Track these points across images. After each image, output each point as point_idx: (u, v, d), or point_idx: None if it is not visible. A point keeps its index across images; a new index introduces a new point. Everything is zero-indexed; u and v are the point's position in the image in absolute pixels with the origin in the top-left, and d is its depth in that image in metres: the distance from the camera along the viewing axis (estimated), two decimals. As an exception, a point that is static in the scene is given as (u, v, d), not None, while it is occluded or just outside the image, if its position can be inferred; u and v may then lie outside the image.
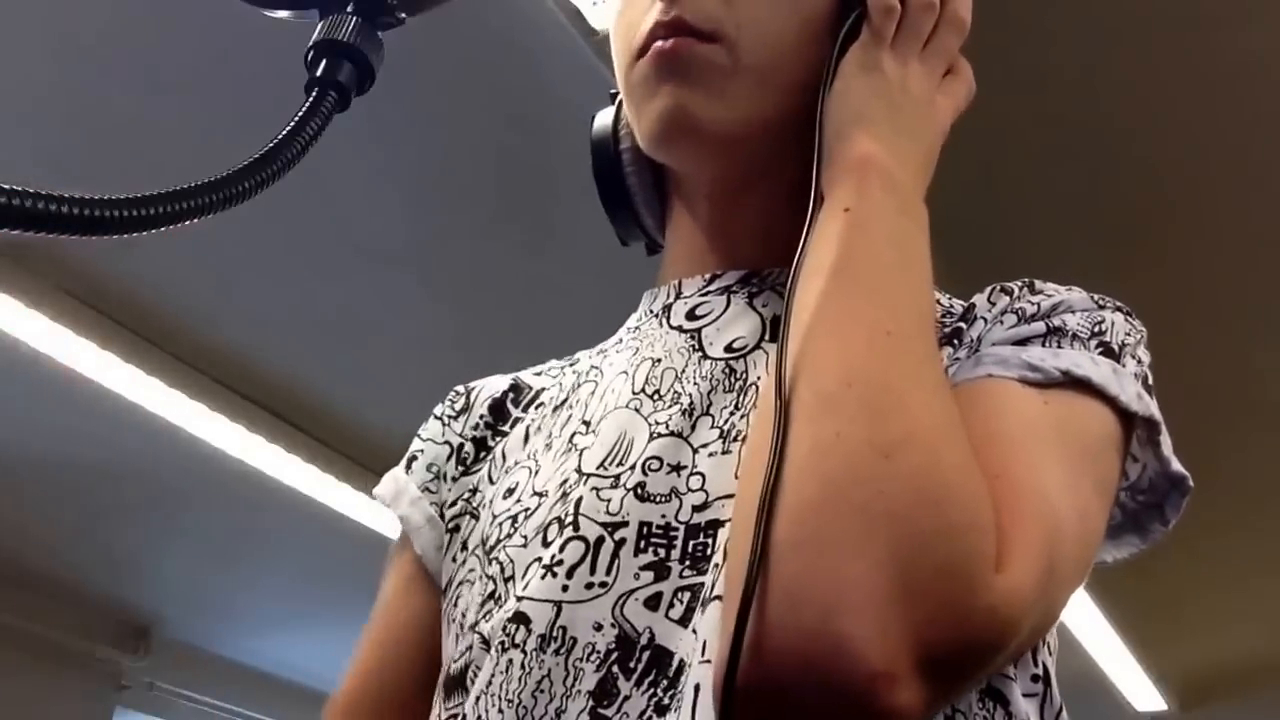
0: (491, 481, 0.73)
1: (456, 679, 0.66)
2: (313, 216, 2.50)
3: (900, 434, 0.49)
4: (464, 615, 0.68)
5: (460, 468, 0.76)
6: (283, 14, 0.54)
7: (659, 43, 0.65)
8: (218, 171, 0.44)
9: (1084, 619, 4.11)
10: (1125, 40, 2.06)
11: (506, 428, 0.76)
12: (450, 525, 0.74)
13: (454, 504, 0.74)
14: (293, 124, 0.47)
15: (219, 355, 3.02)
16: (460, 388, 0.81)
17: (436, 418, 0.79)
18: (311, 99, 0.48)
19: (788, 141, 0.67)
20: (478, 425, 0.77)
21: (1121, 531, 0.66)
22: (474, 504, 0.73)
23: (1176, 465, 0.63)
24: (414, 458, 0.78)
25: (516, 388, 0.79)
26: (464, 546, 0.71)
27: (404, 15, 0.53)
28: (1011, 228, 2.50)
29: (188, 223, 0.42)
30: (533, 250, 2.60)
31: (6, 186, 0.37)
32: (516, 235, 2.58)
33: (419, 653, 0.72)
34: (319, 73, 0.50)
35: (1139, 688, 4.95)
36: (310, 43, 0.50)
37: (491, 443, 0.76)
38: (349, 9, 0.51)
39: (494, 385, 0.79)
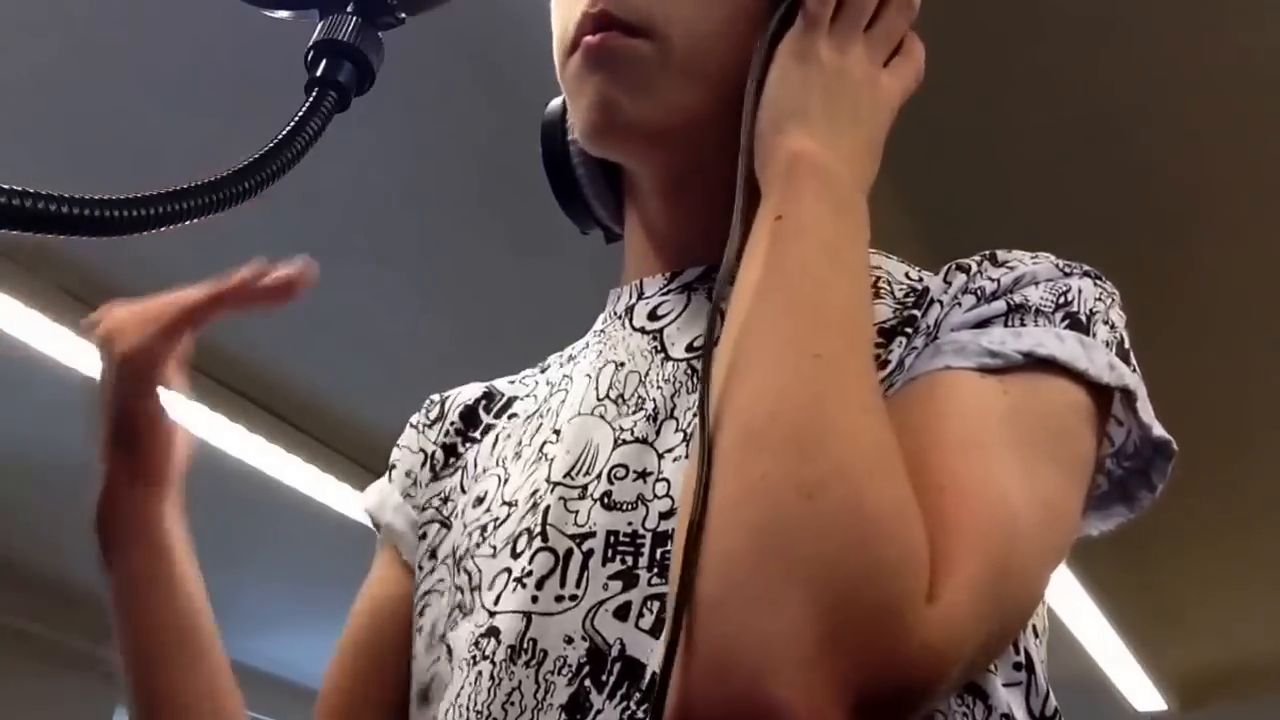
0: (463, 490, 0.72)
1: (423, 692, 0.66)
2: (312, 216, 2.50)
3: (825, 470, 0.47)
4: (433, 626, 0.67)
5: (431, 473, 0.75)
6: (283, 14, 0.54)
7: (587, 37, 0.64)
8: (218, 171, 0.43)
9: (1084, 619, 4.11)
10: (1125, 39, 2.06)
11: (477, 434, 0.75)
12: (420, 532, 0.73)
13: (424, 509, 0.74)
14: (293, 124, 0.47)
15: (220, 356, 3.02)
16: (435, 396, 0.80)
17: (412, 426, 0.79)
18: (311, 99, 0.48)
19: (725, 134, 0.64)
20: (448, 432, 0.76)
21: (1108, 501, 0.64)
22: (445, 512, 0.72)
23: (1158, 430, 0.61)
24: (394, 467, 0.78)
25: (489, 395, 0.78)
26: (432, 555, 0.71)
27: (404, 15, 0.53)
28: (1009, 228, 2.49)
29: (188, 223, 0.42)
30: (532, 251, 2.60)
31: (6, 186, 0.37)
32: (515, 237, 2.58)
33: (399, 641, 0.71)
34: (319, 73, 0.49)
35: (1139, 688, 4.96)
36: (310, 43, 0.50)
37: (462, 449, 0.75)
38: (349, 9, 0.51)
39: (468, 393, 0.79)
